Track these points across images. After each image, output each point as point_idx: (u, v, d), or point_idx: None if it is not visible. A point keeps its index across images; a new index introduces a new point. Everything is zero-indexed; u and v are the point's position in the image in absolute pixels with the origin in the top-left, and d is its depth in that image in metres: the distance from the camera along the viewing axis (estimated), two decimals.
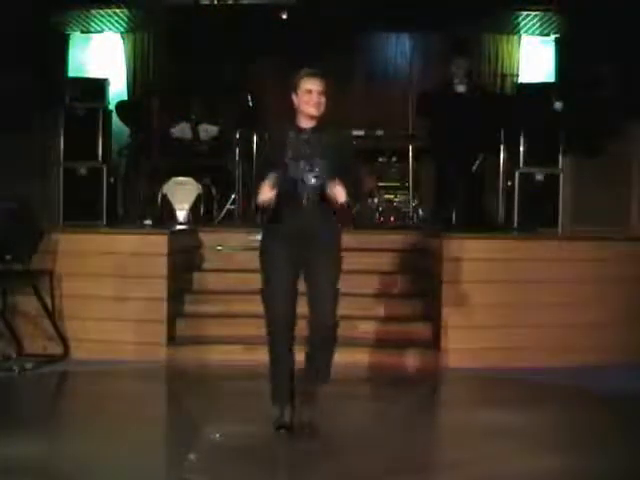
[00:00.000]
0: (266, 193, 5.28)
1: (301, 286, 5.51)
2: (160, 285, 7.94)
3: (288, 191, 5.37)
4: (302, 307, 5.49)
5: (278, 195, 5.31)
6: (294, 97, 5.49)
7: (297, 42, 10.99)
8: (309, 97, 5.42)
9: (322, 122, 5.52)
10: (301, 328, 5.52)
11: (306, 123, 5.50)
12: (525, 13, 10.89)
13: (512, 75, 11.61)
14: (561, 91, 10.19)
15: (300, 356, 5.60)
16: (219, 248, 8.92)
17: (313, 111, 5.44)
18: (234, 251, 8.84)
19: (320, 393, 5.59)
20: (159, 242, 8.03)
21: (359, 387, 7.25)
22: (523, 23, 11.19)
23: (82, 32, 11.66)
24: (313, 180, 5.40)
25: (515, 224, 9.71)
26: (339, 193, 5.29)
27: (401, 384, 7.33)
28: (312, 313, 5.44)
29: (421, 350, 7.89)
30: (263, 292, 5.51)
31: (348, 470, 4.96)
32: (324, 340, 5.47)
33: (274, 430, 5.48)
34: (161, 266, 7.94)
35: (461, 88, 9.59)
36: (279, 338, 5.47)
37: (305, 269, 5.48)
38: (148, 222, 9.67)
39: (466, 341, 7.79)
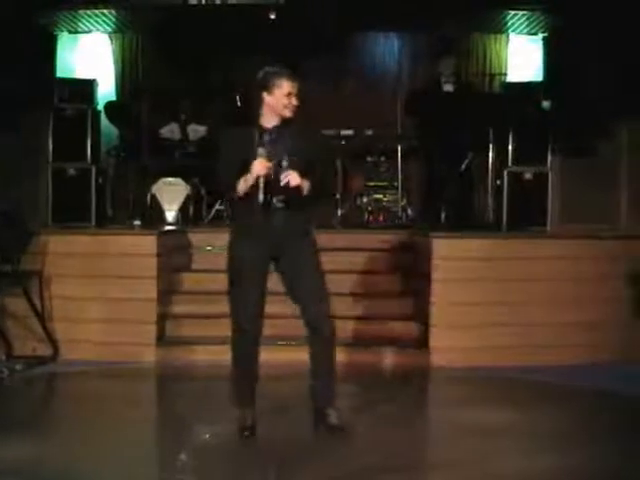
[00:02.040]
0: (262, 167, 5.19)
1: None
2: (149, 286, 7.94)
3: (253, 191, 5.27)
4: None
5: (246, 196, 5.28)
6: (265, 95, 5.39)
7: (286, 42, 10.98)
8: (288, 101, 5.36)
9: (286, 120, 5.44)
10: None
11: (270, 122, 5.42)
12: (513, 12, 10.89)
13: (500, 74, 11.61)
14: (549, 90, 10.21)
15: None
16: (208, 249, 8.91)
17: (288, 113, 5.39)
18: (223, 251, 8.79)
19: (338, 391, 5.66)
20: (148, 243, 8.02)
21: (348, 386, 7.25)
22: (511, 22, 11.19)
23: (70, 32, 11.62)
24: (279, 179, 5.29)
25: (504, 223, 9.71)
26: (291, 177, 5.23)
27: (390, 383, 7.34)
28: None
29: (410, 349, 7.90)
30: (231, 294, 5.51)
31: (339, 469, 4.96)
32: (319, 340, 5.50)
33: (238, 433, 5.48)
34: (150, 267, 7.94)
35: (449, 87, 9.61)
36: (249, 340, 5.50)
37: (281, 270, 5.48)
38: (137, 223, 9.66)
39: (455, 340, 7.81)
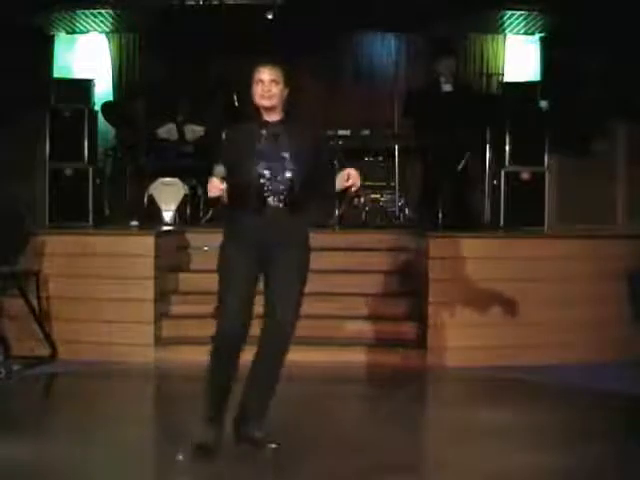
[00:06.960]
0: (215, 188, 4.82)
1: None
2: (147, 286, 7.93)
3: (252, 189, 4.93)
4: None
5: (241, 193, 4.92)
6: (253, 92, 5.05)
7: (283, 42, 10.98)
8: (260, 87, 4.98)
9: (289, 116, 5.09)
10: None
11: (270, 117, 5.05)
12: (510, 12, 10.90)
13: (497, 74, 11.63)
14: (546, 90, 10.22)
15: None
16: (206, 249, 8.90)
17: (265, 102, 4.98)
18: None
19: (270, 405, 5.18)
20: (146, 243, 8.02)
21: (346, 386, 7.26)
22: (508, 22, 11.20)
23: (67, 33, 11.62)
24: (279, 177, 4.93)
25: (501, 223, 9.73)
26: (353, 176, 4.95)
27: (388, 383, 7.34)
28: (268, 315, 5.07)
29: (408, 349, 7.90)
30: (219, 299, 5.09)
31: (336, 470, 4.96)
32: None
33: (192, 448, 4.98)
34: (148, 267, 7.94)
35: (447, 88, 9.61)
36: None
37: (267, 271, 5.02)
38: (135, 223, 9.67)
39: (453, 340, 7.81)
